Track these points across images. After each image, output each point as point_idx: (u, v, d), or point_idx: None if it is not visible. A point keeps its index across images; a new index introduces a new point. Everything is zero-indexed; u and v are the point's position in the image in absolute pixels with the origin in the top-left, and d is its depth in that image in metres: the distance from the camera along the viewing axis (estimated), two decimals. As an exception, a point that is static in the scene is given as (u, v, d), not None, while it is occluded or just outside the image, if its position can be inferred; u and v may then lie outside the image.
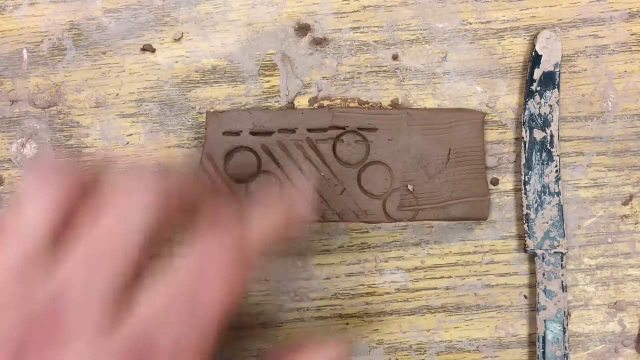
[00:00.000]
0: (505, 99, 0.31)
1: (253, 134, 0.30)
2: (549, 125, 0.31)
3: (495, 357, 0.31)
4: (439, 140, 0.30)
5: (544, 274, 0.30)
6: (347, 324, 0.31)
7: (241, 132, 0.30)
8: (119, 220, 0.18)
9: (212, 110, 0.31)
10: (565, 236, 0.30)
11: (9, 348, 0.16)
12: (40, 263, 0.17)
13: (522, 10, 0.32)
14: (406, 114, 0.30)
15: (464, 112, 0.30)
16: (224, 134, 0.30)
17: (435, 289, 0.31)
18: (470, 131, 0.30)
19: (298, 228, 0.23)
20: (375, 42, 0.31)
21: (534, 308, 0.31)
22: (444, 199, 0.30)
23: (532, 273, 0.31)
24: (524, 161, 0.31)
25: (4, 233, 0.18)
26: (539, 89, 0.31)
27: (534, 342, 0.30)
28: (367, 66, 0.31)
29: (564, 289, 0.30)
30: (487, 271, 0.31)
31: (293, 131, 0.30)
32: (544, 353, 0.30)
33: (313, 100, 0.31)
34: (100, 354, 0.16)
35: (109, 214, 0.18)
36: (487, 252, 0.31)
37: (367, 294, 0.31)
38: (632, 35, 0.31)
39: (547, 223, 0.30)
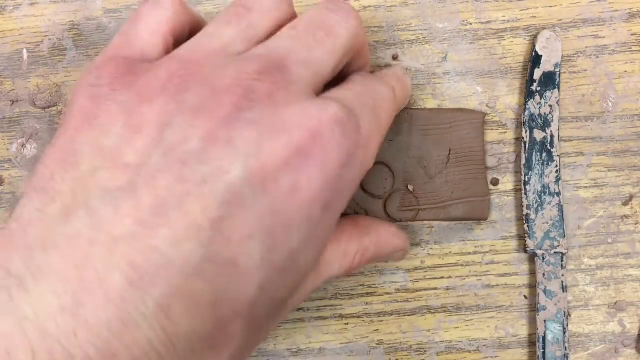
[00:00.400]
0: (505, 99, 0.31)
1: None
2: (549, 125, 0.31)
3: (495, 357, 0.31)
4: (439, 140, 0.30)
5: (544, 274, 0.30)
6: (347, 324, 0.31)
7: None
8: (327, 21, 0.23)
9: None
10: (565, 236, 0.30)
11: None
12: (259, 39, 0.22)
13: (522, 10, 0.32)
14: (407, 113, 0.30)
15: (464, 112, 0.30)
16: None
17: (435, 289, 0.31)
18: (470, 131, 0.30)
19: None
20: (375, 42, 0.31)
21: (534, 308, 0.31)
22: (444, 199, 0.30)
23: (532, 273, 0.31)
24: (524, 161, 0.31)
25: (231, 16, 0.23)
26: (539, 89, 0.31)
27: (534, 342, 0.30)
28: (367, 66, 0.31)
29: (564, 289, 0.30)
30: (487, 271, 0.31)
31: None
32: (543, 353, 0.30)
33: (313, 100, 0.31)
34: (320, 103, 0.20)
35: (316, 13, 0.23)
36: (487, 252, 0.31)
37: (367, 294, 0.31)
38: (632, 35, 0.31)
39: (547, 223, 0.31)
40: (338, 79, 0.24)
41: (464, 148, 0.30)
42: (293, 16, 0.24)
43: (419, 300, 0.31)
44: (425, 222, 0.31)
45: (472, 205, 0.30)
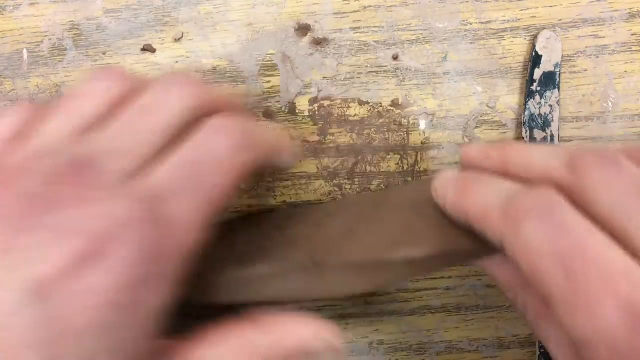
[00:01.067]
0: (505, 99, 0.31)
1: None
2: (549, 125, 0.31)
3: (495, 357, 0.31)
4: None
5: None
6: (347, 324, 0.31)
7: None
8: (156, 100, 0.22)
9: None
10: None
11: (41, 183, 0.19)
12: (84, 129, 0.22)
13: (522, 10, 0.32)
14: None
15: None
16: None
17: (435, 289, 0.31)
18: None
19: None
20: (375, 42, 0.31)
21: (534, 308, 0.31)
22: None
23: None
24: (524, 161, 0.31)
25: (59, 107, 0.22)
26: (539, 89, 0.31)
27: (534, 342, 0.30)
28: (367, 66, 0.31)
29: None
30: (487, 271, 0.31)
31: None
32: (544, 353, 0.30)
33: (313, 101, 0.31)
34: (118, 200, 0.19)
35: (148, 94, 0.22)
36: (487, 252, 0.31)
37: (367, 294, 0.31)
38: (632, 35, 0.31)
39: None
40: None
41: None
42: (134, 91, 0.23)
43: (419, 300, 0.31)
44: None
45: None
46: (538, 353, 0.30)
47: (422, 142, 0.31)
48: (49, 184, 0.19)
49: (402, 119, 0.31)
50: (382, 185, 0.31)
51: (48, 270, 0.18)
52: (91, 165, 0.20)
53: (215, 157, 0.22)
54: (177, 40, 0.31)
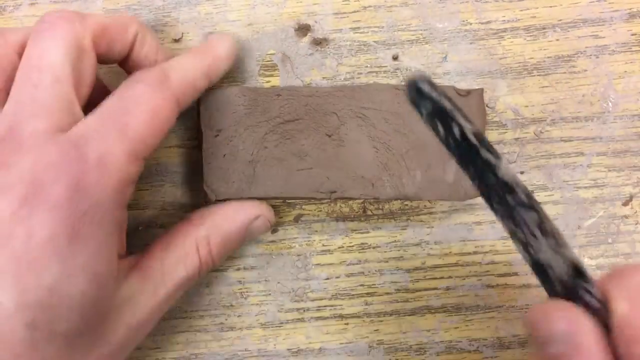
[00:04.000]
0: (505, 99, 0.31)
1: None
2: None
3: (495, 357, 0.31)
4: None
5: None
6: (347, 324, 0.31)
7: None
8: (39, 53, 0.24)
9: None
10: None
11: None
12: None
13: (522, 10, 0.32)
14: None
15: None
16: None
17: (435, 289, 0.31)
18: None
19: (220, 67, 0.28)
20: (375, 42, 0.31)
21: (534, 308, 0.31)
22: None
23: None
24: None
25: None
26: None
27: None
28: (367, 66, 0.31)
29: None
30: (487, 271, 0.31)
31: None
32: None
33: (313, 100, 0.31)
34: (44, 149, 0.22)
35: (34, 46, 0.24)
36: (487, 252, 0.31)
37: (367, 294, 0.31)
38: (632, 35, 0.31)
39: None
40: None
41: None
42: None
43: (419, 300, 0.31)
44: (425, 222, 0.31)
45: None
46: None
47: (422, 142, 0.31)
48: None
49: (402, 119, 0.31)
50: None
51: (1, 216, 0.22)
52: (11, 134, 0.23)
53: (135, 100, 0.24)
54: (177, 40, 0.31)
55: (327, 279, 0.31)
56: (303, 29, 0.31)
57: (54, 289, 0.22)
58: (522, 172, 0.31)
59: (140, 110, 0.24)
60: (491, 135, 0.31)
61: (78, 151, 0.22)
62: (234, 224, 0.28)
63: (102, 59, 0.26)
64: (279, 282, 0.31)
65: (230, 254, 0.30)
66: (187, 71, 0.26)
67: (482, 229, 0.31)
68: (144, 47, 0.27)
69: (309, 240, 0.31)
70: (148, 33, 0.27)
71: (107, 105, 0.24)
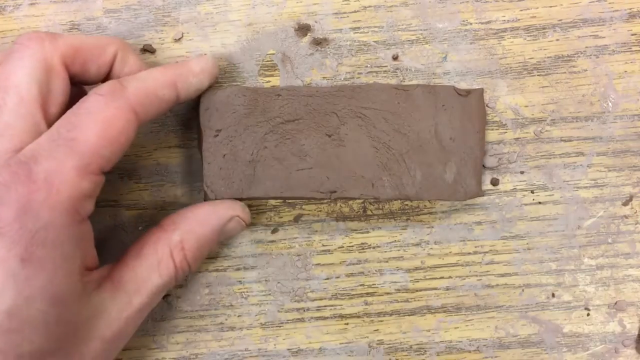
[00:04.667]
0: (505, 99, 0.31)
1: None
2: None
3: (495, 357, 0.31)
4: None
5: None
6: (347, 324, 0.31)
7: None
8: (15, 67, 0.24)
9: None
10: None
11: None
12: None
13: (522, 10, 0.32)
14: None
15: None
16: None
17: (435, 289, 0.31)
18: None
19: (189, 79, 0.27)
20: (375, 42, 0.31)
21: (534, 308, 0.31)
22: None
23: (532, 273, 0.31)
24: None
25: None
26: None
27: (534, 342, 0.30)
28: (367, 66, 0.31)
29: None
30: (487, 271, 0.31)
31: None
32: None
33: (313, 100, 0.31)
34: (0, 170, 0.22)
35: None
36: (487, 252, 0.31)
37: (367, 294, 0.31)
38: (632, 35, 0.31)
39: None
40: None
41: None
42: None
43: (419, 300, 0.31)
44: (425, 222, 0.31)
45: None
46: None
47: (422, 142, 0.31)
48: None
49: (402, 119, 0.31)
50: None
51: None
52: None
53: (87, 112, 0.24)
54: (177, 40, 0.31)
55: (327, 279, 0.31)
56: (303, 29, 0.31)
57: (12, 312, 0.21)
58: (522, 172, 0.31)
59: (91, 121, 0.24)
60: (491, 135, 0.31)
61: (27, 171, 0.22)
62: (208, 227, 0.28)
63: (78, 79, 0.26)
64: (279, 282, 0.31)
65: (206, 256, 0.30)
66: (146, 81, 0.26)
67: (482, 229, 0.31)
68: (124, 67, 0.27)
69: (309, 240, 0.31)
70: (130, 53, 0.27)
71: (60, 121, 0.24)
